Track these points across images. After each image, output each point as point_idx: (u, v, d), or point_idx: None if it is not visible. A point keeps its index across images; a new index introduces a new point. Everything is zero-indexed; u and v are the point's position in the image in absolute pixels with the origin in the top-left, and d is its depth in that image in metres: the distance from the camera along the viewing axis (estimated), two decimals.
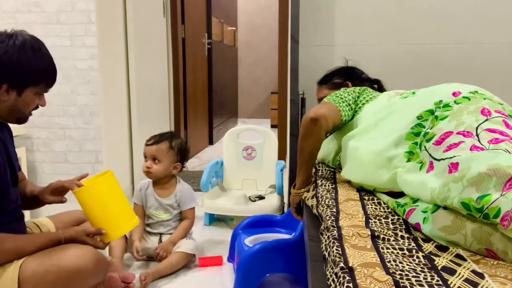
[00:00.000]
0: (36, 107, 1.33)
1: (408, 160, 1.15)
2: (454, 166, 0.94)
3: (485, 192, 0.83)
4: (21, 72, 1.23)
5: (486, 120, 1.06)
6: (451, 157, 0.98)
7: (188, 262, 1.82)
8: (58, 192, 1.44)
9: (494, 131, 1.01)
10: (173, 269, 1.75)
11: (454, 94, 1.17)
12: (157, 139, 1.85)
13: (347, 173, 1.34)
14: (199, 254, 1.88)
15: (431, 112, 1.18)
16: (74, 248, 1.30)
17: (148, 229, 1.90)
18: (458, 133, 1.04)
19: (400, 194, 1.17)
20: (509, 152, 0.92)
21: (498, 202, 0.79)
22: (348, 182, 1.38)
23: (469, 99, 1.14)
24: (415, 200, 1.03)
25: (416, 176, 1.07)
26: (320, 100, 1.80)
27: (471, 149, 0.97)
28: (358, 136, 1.34)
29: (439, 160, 1.02)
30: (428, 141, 1.10)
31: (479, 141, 0.99)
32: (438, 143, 1.06)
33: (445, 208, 0.91)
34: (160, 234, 1.89)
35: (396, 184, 1.15)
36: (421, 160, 1.11)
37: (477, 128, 1.03)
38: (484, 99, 1.13)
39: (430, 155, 1.07)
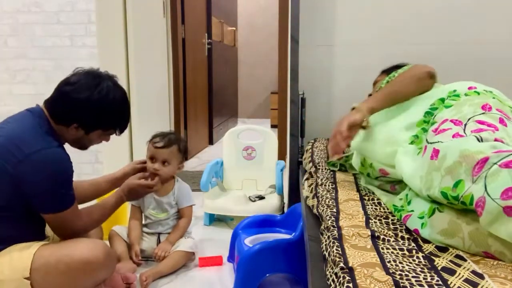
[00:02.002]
0: (100, 141, 1.47)
1: (411, 143, 1.18)
2: (435, 153, 0.98)
3: (458, 178, 0.86)
4: (95, 119, 1.36)
5: (483, 113, 1.07)
6: (437, 142, 1.02)
7: (188, 261, 1.82)
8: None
9: (483, 123, 1.03)
10: (174, 268, 1.75)
11: (469, 88, 1.22)
12: (167, 142, 1.83)
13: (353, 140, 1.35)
14: (198, 252, 1.88)
15: (442, 100, 1.22)
16: (86, 241, 1.37)
17: (145, 229, 1.90)
18: (451, 120, 1.08)
19: (394, 192, 1.19)
20: (481, 139, 0.95)
21: (471, 189, 0.83)
22: (348, 182, 1.38)
23: (478, 93, 1.17)
24: (409, 202, 1.04)
25: (411, 162, 1.11)
26: (375, 84, 1.80)
27: (453, 136, 1.01)
28: (379, 117, 1.37)
29: (430, 143, 1.06)
30: (431, 127, 1.15)
31: (464, 130, 1.02)
32: (435, 129, 1.10)
33: (440, 211, 0.92)
34: (159, 233, 1.88)
35: (393, 160, 1.19)
36: (421, 146, 1.14)
37: (469, 119, 1.06)
38: (493, 98, 1.15)
39: (426, 140, 1.10)
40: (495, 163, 0.80)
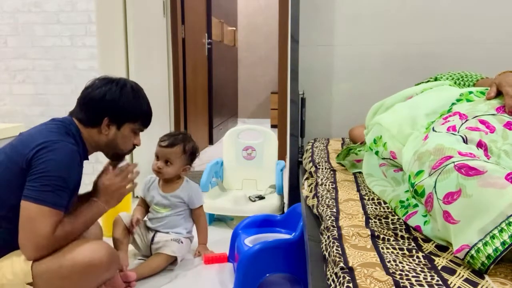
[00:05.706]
0: (133, 148, 1.51)
1: (427, 129, 1.19)
2: (425, 138, 1.02)
3: (421, 168, 0.89)
4: (121, 109, 1.41)
5: (492, 115, 1.06)
6: (434, 131, 1.05)
7: (170, 265, 1.78)
8: None
9: (484, 122, 1.03)
10: (154, 271, 1.72)
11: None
12: (172, 141, 1.84)
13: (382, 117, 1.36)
14: (184, 256, 1.86)
15: (470, 93, 1.24)
16: (88, 242, 1.34)
17: (147, 223, 1.91)
18: (459, 114, 1.09)
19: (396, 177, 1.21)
20: (466, 140, 0.96)
21: (424, 182, 0.85)
22: (349, 182, 1.38)
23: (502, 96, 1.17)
24: (415, 205, 1.04)
25: (411, 150, 1.11)
26: None
27: (448, 130, 1.03)
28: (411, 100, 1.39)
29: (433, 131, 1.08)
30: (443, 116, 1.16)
31: (461, 125, 1.04)
32: (444, 119, 1.12)
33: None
34: (156, 231, 1.87)
35: (405, 141, 1.19)
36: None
37: (475, 117, 1.06)
38: None
39: (433, 128, 1.12)
40: (453, 162, 0.82)
